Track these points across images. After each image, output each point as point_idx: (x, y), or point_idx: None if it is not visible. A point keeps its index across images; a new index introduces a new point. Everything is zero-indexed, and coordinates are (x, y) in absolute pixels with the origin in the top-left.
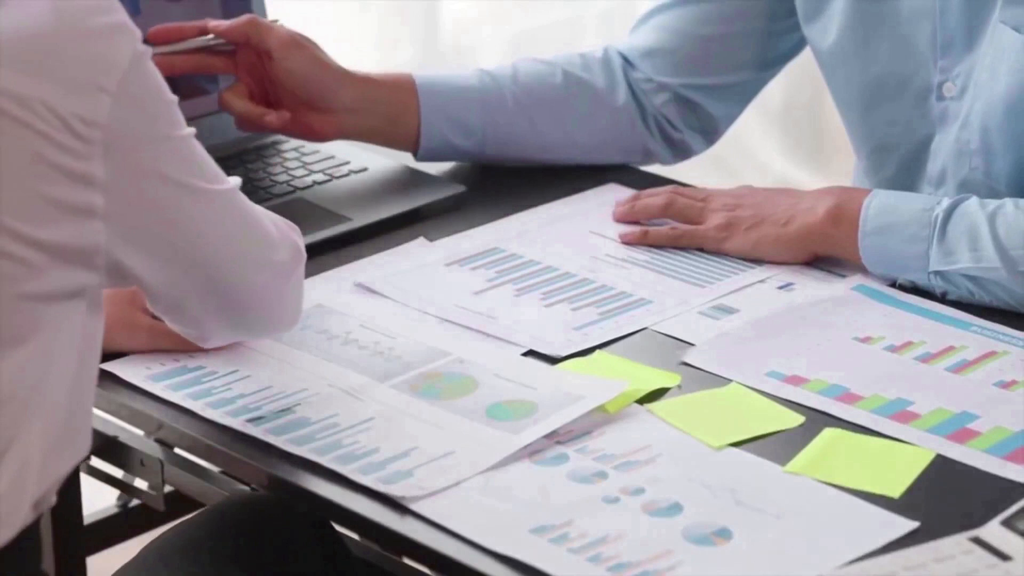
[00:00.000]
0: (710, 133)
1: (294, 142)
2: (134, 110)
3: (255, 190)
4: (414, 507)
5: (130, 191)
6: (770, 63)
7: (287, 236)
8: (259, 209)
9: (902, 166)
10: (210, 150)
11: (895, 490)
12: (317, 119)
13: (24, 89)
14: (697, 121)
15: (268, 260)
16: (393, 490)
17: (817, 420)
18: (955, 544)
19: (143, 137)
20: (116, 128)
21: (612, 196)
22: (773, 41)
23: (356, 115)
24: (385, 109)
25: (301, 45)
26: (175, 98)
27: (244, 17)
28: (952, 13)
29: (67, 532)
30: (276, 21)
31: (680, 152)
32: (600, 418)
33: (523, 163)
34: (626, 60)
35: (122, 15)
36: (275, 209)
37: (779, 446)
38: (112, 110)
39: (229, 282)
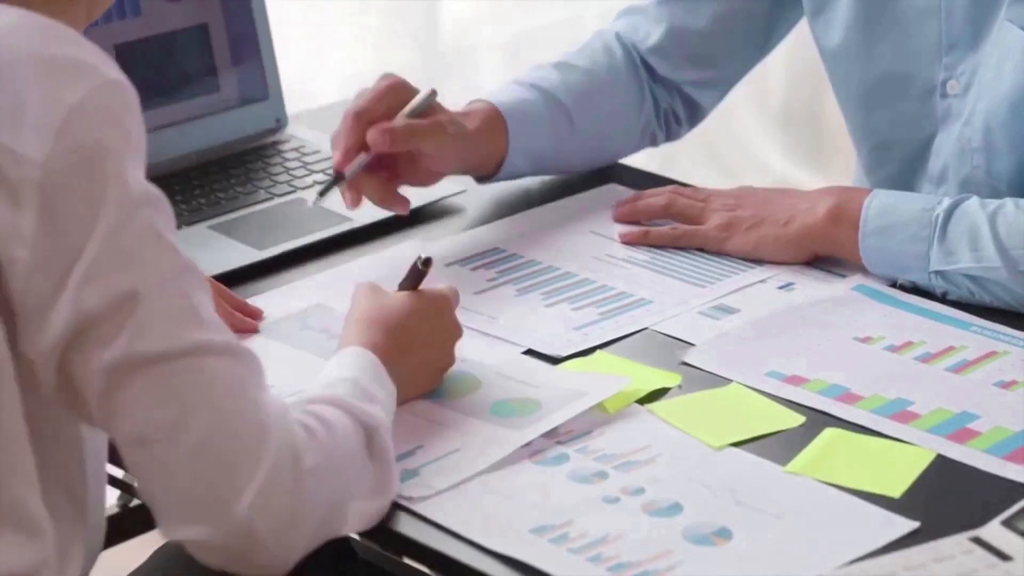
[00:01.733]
0: (698, 120)
1: (294, 142)
2: (77, 159)
3: (255, 190)
4: (414, 507)
5: (62, 254)
6: (768, 48)
7: (288, 434)
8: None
9: (903, 163)
10: (209, 151)
11: (895, 490)
12: (424, 181)
13: None
14: (690, 111)
15: (242, 446)
16: (401, 490)
17: (817, 420)
18: (955, 544)
19: (85, 196)
20: (54, 174)
21: (612, 196)
22: (772, 28)
23: (460, 170)
24: (483, 159)
25: (449, 133)
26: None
27: (402, 127)
28: (958, 11)
29: None
30: (431, 96)
31: (671, 135)
32: (600, 418)
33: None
34: (641, 57)
35: (86, 53)
36: (275, 209)
37: (779, 446)
38: (52, 152)
39: (180, 457)
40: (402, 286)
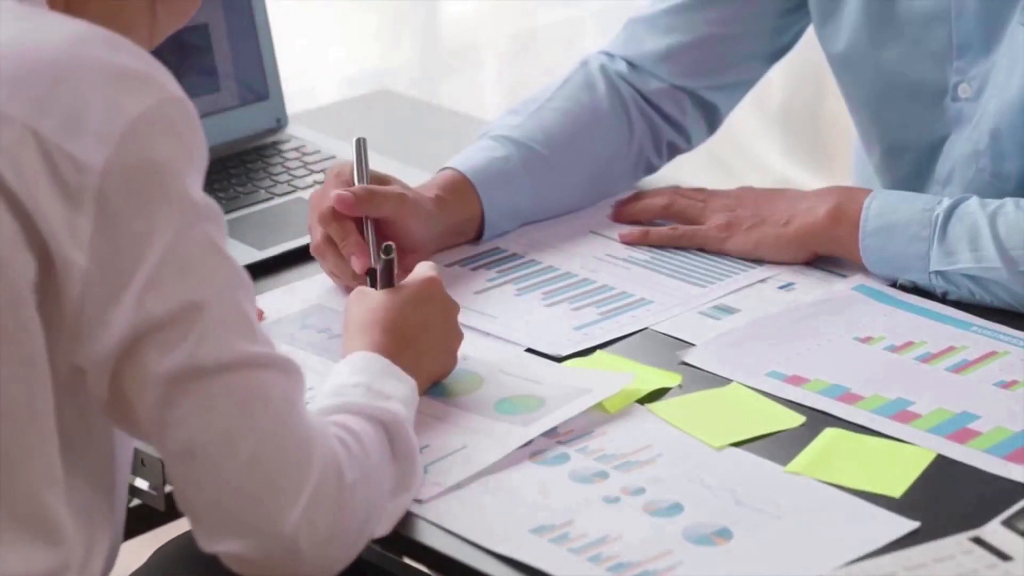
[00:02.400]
0: (712, 129)
1: (294, 142)
2: (136, 168)
3: (255, 190)
4: (415, 507)
5: (121, 260)
6: (779, 53)
7: (330, 450)
8: (295, 393)
9: (915, 166)
10: (209, 151)
11: (895, 490)
12: (410, 259)
13: (8, 109)
14: (706, 123)
15: (291, 462)
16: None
17: (817, 420)
18: (955, 544)
19: (144, 205)
20: (112, 181)
21: (612, 196)
22: (783, 33)
23: (437, 241)
24: (458, 226)
25: (410, 201)
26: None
27: (361, 191)
28: (968, 16)
29: None
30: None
31: (676, 154)
32: (601, 418)
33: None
34: (634, 67)
35: (152, 68)
36: (275, 209)
37: (779, 446)
38: (111, 159)
39: (227, 466)
40: (382, 286)
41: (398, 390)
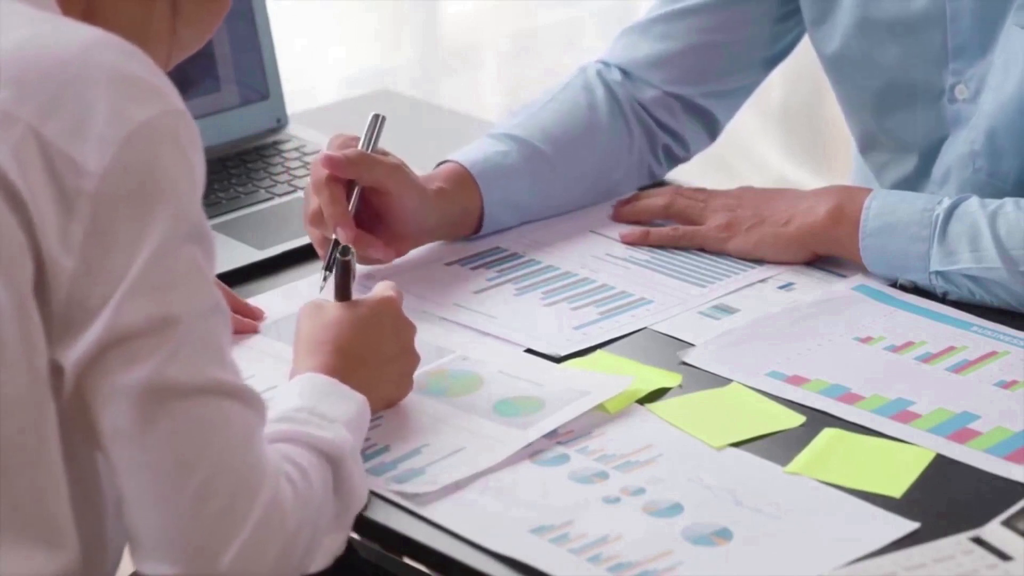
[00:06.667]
0: (712, 137)
1: (295, 142)
2: (134, 175)
3: (255, 190)
4: (415, 507)
5: (109, 268)
6: (775, 60)
7: (278, 492)
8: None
9: (913, 167)
10: (209, 151)
11: (895, 490)
12: (399, 244)
13: (14, 110)
14: (704, 130)
15: (239, 497)
16: (407, 488)
17: (817, 420)
18: (955, 544)
19: (136, 214)
20: (108, 187)
21: (614, 198)
22: (779, 40)
23: (434, 231)
24: (456, 217)
25: (406, 176)
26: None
27: (354, 153)
28: (964, 18)
29: None
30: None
31: (676, 163)
32: (601, 418)
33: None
34: (628, 75)
35: (160, 81)
36: (275, 209)
37: (779, 446)
38: (110, 165)
39: (177, 493)
40: (338, 294)
41: (344, 411)
